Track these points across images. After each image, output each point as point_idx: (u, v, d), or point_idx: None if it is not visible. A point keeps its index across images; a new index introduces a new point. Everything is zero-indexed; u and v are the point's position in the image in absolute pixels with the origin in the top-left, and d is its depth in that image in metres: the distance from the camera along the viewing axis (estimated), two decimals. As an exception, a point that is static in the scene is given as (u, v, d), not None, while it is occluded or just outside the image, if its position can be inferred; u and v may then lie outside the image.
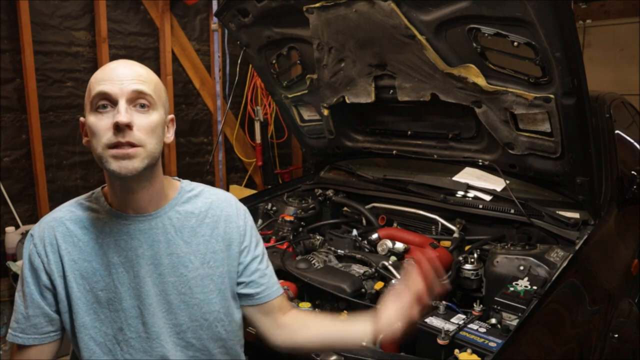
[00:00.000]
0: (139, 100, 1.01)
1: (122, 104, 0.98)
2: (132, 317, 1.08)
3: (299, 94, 2.32)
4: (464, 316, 1.42)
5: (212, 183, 4.14)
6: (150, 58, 3.60)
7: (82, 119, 1.07)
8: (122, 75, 1.01)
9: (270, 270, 1.26)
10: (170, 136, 1.11)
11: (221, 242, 1.16)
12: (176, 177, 1.21)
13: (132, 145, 0.98)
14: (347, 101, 2.13)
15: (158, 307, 1.09)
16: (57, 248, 1.07)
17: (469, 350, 1.23)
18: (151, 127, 1.02)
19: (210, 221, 1.16)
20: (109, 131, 0.98)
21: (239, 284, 1.19)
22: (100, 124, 0.99)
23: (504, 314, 1.38)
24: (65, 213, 1.11)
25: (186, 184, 1.20)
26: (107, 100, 0.99)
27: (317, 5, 1.83)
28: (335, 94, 2.14)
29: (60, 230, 1.08)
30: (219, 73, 3.93)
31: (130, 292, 1.08)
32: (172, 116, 1.13)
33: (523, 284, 1.47)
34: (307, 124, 2.49)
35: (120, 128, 0.97)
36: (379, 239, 1.88)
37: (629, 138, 2.43)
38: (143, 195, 1.07)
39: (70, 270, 1.06)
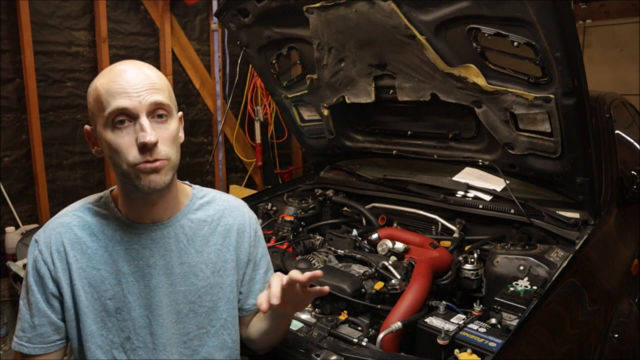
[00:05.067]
0: (157, 111, 0.98)
1: (145, 121, 0.95)
2: (141, 327, 1.06)
3: (299, 94, 2.33)
4: (464, 316, 1.42)
5: (212, 183, 4.14)
6: (150, 58, 3.60)
7: (87, 127, 1.04)
8: (136, 85, 0.95)
9: None
10: (182, 136, 1.08)
11: (232, 251, 1.15)
12: (186, 182, 1.19)
13: (157, 160, 0.96)
14: (347, 101, 2.13)
15: (168, 317, 1.07)
16: (64, 255, 1.03)
17: (469, 350, 1.23)
18: (172, 137, 1.00)
19: (223, 230, 1.15)
20: (133, 148, 0.95)
21: (239, 292, 1.20)
22: (122, 141, 0.95)
23: (504, 314, 1.38)
24: (72, 218, 1.07)
25: (197, 189, 1.18)
26: (126, 116, 0.95)
27: (317, 5, 1.83)
28: (335, 94, 2.14)
29: (68, 237, 1.04)
30: (219, 73, 3.93)
31: (139, 302, 1.05)
32: (180, 113, 1.09)
33: (523, 284, 1.47)
34: (307, 124, 2.49)
35: (147, 147, 0.94)
36: (379, 239, 1.88)
37: (629, 138, 2.43)
38: (161, 205, 1.06)
39: (78, 278, 1.03)
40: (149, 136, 0.93)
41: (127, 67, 0.99)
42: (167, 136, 0.98)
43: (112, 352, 1.06)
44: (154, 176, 0.96)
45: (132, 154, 0.95)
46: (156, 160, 0.96)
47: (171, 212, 1.09)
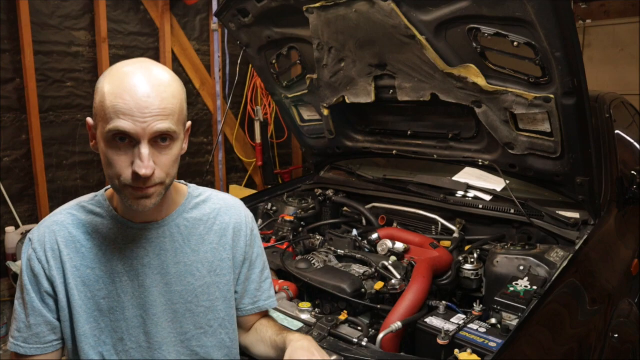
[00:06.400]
0: (162, 136, 0.93)
1: (145, 149, 0.90)
2: (134, 327, 1.05)
3: (299, 94, 2.33)
4: (464, 316, 1.42)
5: (212, 183, 4.14)
6: (150, 58, 3.58)
7: (90, 120, 0.99)
8: (145, 108, 0.89)
9: (268, 283, 1.26)
10: (185, 147, 1.04)
11: (229, 250, 1.14)
12: (182, 181, 1.18)
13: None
14: (347, 101, 2.13)
15: (163, 316, 1.07)
16: (58, 254, 1.02)
17: (469, 350, 1.22)
18: (172, 162, 0.97)
19: (219, 229, 1.14)
20: (128, 169, 0.92)
21: (235, 292, 1.19)
22: (118, 158, 0.92)
23: (504, 314, 1.38)
24: (67, 217, 1.05)
25: (193, 188, 1.17)
26: (127, 136, 0.91)
27: (317, 5, 1.83)
28: (335, 94, 2.14)
29: (62, 235, 1.03)
30: (219, 73, 3.93)
31: (133, 302, 1.04)
32: (189, 124, 1.05)
33: (523, 284, 1.47)
34: (307, 124, 2.49)
35: (141, 178, 0.91)
36: (379, 239, 1.88)
37: (629, 138, 2.42)
38: (155, 205, 1.03)
39: (72, 277, 1.02)
40: (144, 169, 0.90)
41: (141, 81, 0.91)
42: (166, 161, 0.95)
43: (104, 354, 1.05)
44: (144, 201, 0.95)
45: (125, 175, 0.92)
46: (148, 187, 0.94)
47: (166, 211, 1.08)
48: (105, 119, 0.91)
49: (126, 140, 0.91)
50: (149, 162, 0.91)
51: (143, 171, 0.90)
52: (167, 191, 1.05)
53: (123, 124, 0.89)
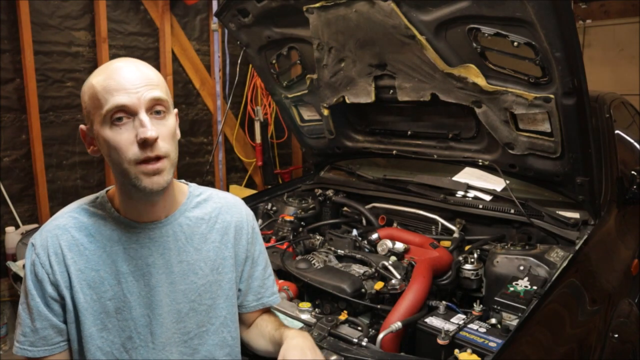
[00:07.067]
0: (156, 107, 0.97)
1: (144, 116, 0.94)
2: (142, 326, 1.05)
3: (299, 94, 2.33)
4: (464, 316, 1.42)
5: (212, 183, 4.14)
6: (150, 58, 3.60)
7: (83, 127, 1.03)
8: (134, 81, 0.95)
9: (271, 280, 1.26)
10: (178, 133, 1.07)
11: (231, 248, 1.15)
12: (182, 180, 1.19)
13: (159, 157, 0.95)
14: (347, 101, 2.13)
15: (168, 316, 1.07)
16: (62, 258, 1.02)
17: (469, 350, 1.22)
18: (171, 133, 0.99)
19: (221, 227, 1.15)
20: (133, 145, 0.94)
21: (238, 289, 1.20)
22: (121, 137, 0.94)
23: (504, 314, 1.38)
24: (68, 220, 1.05)
25: (194, 187, 1.18)
26: (125, 113, 0.94)
27: (317, 5, 1.83)
28: (335, 94, 2.14)
29: (65, 239, 1.03)
30: (219, 73, 3.93)
31: (140, 301, 1.05)
32: (175, 110, 1.08)
33: (523, 284, 1.47)
34: (307, 124, 2.49)
35: (148, 143, 0.93)
36: (379, 239, 1.88)
37: (629, 138, 2.42)
38: (159, 203, 1.05)
39: (76, 280, 1.02)
40: (150, 132, 0.92)
41: (123, 64, 0.98)
42: (166, 132, 0.98)
43: (113, 353, 1.05)
44: (156, 178, 0.96)
45: (132, 151, 0.94)
46: (157, 157, 0.95)
47: (169, 210, 1.09)
48: (100, 104, 0.95)
49: (123, 119, 0.94)
50: (152, 126, 0.93)
51: (149, 133, 0.92)
52: (170, 188, 1.07)
53: (119, 98, 0.93)
